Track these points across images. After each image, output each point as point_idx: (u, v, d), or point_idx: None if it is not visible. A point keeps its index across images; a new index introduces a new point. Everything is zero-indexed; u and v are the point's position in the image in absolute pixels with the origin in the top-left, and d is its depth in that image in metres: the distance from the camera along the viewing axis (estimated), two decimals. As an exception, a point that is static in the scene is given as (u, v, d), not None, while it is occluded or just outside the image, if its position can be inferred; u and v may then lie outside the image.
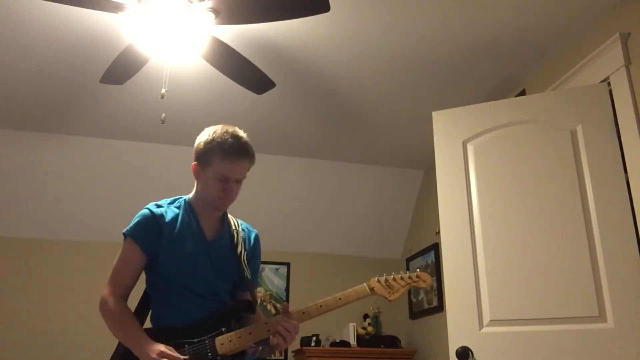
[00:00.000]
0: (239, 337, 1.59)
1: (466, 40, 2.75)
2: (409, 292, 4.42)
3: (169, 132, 3.76)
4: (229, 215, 1.86)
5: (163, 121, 2.74)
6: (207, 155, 1.68)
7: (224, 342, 1.59)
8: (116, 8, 2.21)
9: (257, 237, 1.90)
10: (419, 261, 4.28)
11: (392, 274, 1.75)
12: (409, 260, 4.48)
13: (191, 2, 2.21)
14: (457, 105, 2.76)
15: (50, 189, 3.96)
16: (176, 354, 1.51)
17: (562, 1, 2.47)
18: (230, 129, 1.70)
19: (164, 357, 1.48)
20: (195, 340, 1.59)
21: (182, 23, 2.25)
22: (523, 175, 2.45)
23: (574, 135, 2.41)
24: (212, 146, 1.67)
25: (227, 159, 1.65)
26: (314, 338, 4.05)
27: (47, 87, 3.22)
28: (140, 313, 1.74)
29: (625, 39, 2.38)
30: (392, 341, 4.18)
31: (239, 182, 1.71)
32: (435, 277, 3.94)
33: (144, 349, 1.51)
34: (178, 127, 3.68)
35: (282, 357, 4.30)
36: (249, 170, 1.73)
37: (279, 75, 2.96)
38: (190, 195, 1.81)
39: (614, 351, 2.07)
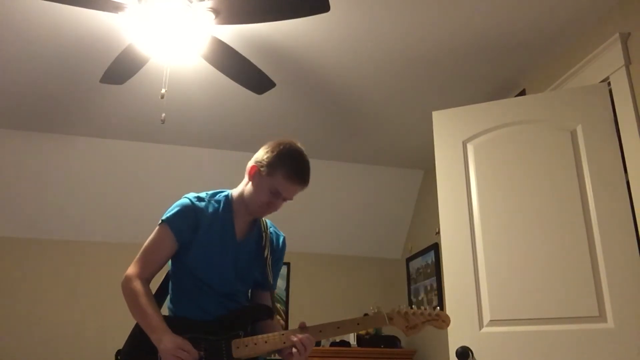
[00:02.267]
0: (255, 344, 1.58)
1: (466, 40, 2.75)
2: (409, 291, 4.42)
3: (169, 132, 3.76)
4: None
5: (163, 121, 2.74)
6: (274, 165, 1.68)
7: (240, 346, 1.58)
8: (116, 8, 2.21)
9: (284, 241, 1.89)
10: (419, 261, 4.28)
11: (412, 307, 1.69)
12: (409, 260, 4.48)
13: (191, 2, 2.21)
14: (457, 105, 2.75)
15: (50, 188, 3.96)
16: (193, 349, 1.51)
17: (562, 1, 2.47)
18: (302, 151, 1.75)
19: (182, 349, 1.49)
20: (212, 338, 1.59)
21: (182, 23, 2.25)
22: (523, 175, 2.45)
23: (574, 135, 2.41)
24: (283, 161, 1.68)
25: (290, 180, 1.68)
26: (314, 338, 4.04)
27: (47, 87, 3.22)
28: (159, 296, 1.76)
29: (625, 39, 2.38)
30: (392, 341, 4.18)
31: (285, 200, 1.73)
32: (435, 277, 3.94)
33: (162, 337, 1.52)
34: (178, 127, 3.68)
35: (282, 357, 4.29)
36: None
37: (279, 75, 2.96)
38: (234, 192, 1.80)
39: (614, 351, 2.07)
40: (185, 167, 4.03)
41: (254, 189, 1.72)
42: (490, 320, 2.30)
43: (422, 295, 4.17)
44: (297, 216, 4.38)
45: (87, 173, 3.97)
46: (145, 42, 2.36)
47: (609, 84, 2.43)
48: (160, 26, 2.25)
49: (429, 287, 4.06)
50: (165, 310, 1.72)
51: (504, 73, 3.05)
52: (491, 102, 2.67)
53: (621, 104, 2.35)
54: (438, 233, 2.70)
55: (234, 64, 2.57)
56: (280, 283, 4.51)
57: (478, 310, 2.33)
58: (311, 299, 4.49)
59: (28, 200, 3.98)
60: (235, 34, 2.67)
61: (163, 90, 2.55)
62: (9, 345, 3.87)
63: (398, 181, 4.42)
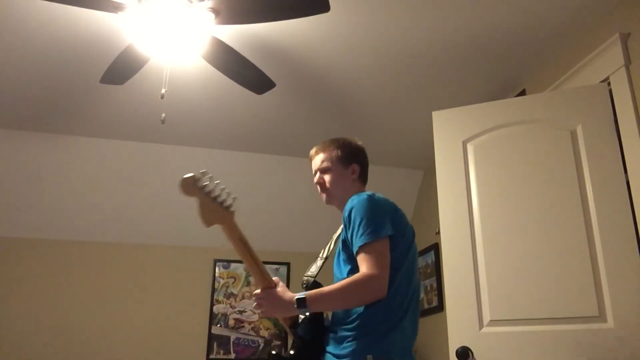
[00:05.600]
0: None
1: (466, 40, 2.75)
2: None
3: (169, 132, 3.76)
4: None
5: (163, 121, 2.74)
6: None
7: None
8: (116, 8, 2.21)
9: (348, 207, 1.85)
10: (419, 261, 4.27)
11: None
12: (409, 260, 4.47)
13: (191, 2, 2.21)
14: (457, 105, 2.75)
15: (50, 189, 3.96)
16: None
17: (562, 1, 2.47)
18: None
19: None
20: None
21: (182, 23, 2.25)
22: (523, 175, 2.45)
23: (574, 135, 2.41)
24: None
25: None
26: (314, 338, 4.03)
27: (47, 87, 3.22)
28: None
29: (625, 39, 2.38)
30: (392, 341, 4.17)
31: (321, 172, 2.00)
32: (435, 277, 3.94)
33: None
34: (178, 127, 3.68)
35: (282, 357, 4.29)
36: (322, 161, 2.03)
37: (279, 75, 2.96)
38: None
39: (614, 351, 2.07)
40: (185, 167, 4.01)
41: None
42: (490, 320, 2.30)
43: (422, 295, 4.17)
44: (297, 216, 4.38)
45: (87, 173, 3.96)
46: (145, 42, 2.36)
47: (609, 84, 2.43)
48: (160, 26, 2.25)
49: (429, 287, 4.05)
50: None
51: (504, 73, 3.05)
52: (491, 102, 2.67)
53: (621, 104, 2.35)
54: (438, 233, 2.70)
55: (234, 64, 2.57)
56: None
57: (478, 310, 2.33)
58: (311, 299, 4.48)
59: (28, 201, 3.98)
60: (235, 34, 2.67)
61: (163, 90, 2.55)
62: (9, 345, 3.87)
63: (398, 181, 4.42)
